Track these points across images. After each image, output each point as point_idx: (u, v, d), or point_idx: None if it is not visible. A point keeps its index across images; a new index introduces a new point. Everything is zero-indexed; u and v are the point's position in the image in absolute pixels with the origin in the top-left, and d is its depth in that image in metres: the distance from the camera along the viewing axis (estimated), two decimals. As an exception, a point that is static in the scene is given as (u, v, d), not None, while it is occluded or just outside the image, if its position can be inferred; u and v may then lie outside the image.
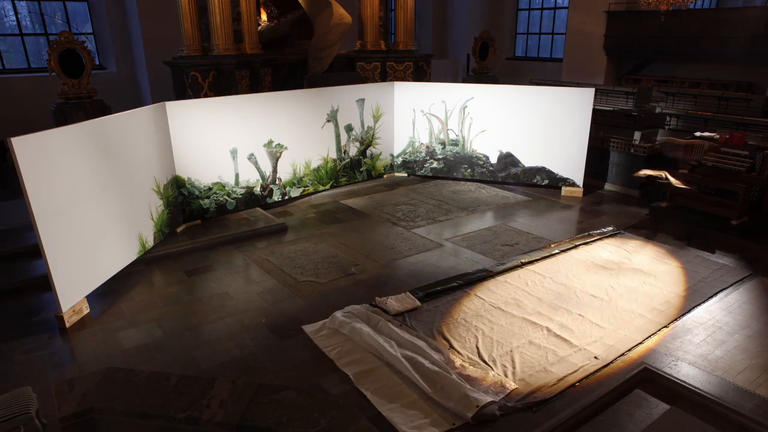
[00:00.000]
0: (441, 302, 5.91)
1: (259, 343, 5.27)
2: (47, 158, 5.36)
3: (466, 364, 4.73)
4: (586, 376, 4.63)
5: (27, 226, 5.42)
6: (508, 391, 4.39)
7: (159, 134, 7.34)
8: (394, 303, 5.74)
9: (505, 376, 4.61)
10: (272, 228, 8.15)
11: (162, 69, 11.15)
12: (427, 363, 4.63)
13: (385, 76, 12.20)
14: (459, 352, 4.96)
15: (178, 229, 7.90)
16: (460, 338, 5.20)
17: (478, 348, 5.02)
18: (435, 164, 10.60)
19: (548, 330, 5.35)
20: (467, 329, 5.35)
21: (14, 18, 12.34)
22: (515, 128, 9.87)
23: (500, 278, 6.47)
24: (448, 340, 5.16)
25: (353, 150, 10.12)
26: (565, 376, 4.61)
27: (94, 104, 9.14)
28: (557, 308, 5.78)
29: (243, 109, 8.36)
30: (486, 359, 4.85)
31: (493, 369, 4.69)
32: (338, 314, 5.53)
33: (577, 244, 7.44)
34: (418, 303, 5.81)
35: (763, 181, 7.92)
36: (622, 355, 4.93)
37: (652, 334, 5.25)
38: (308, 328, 5.46)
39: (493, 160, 10.24)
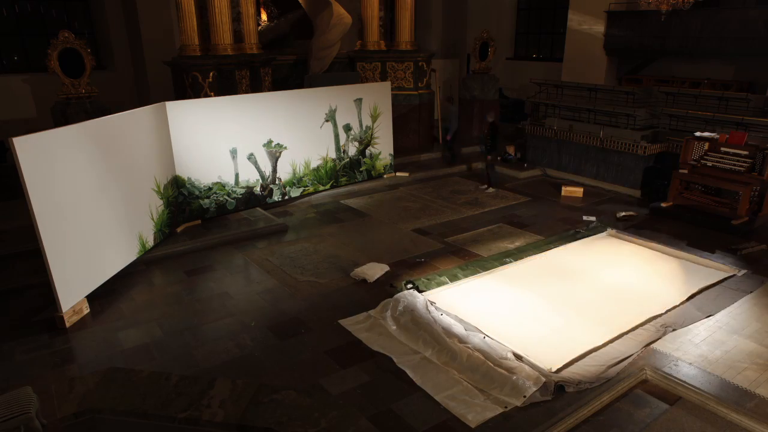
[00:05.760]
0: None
1: (259, 343, 5.27)
2: (48, 158, 5.36)
3: (508, 354, 4.87)
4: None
5: (27, 226, 5.41)
6: (544, 381, 4.50)
7: (159, 134, 7.33)
8: (367, 271, 6.52)
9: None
10: (272, 228, 8.15)
11: (162, 69, 11.14)
12: (472, 352, 4.89)
13: (385, 76, 12.19)
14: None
15: (178, 229, 7.89)
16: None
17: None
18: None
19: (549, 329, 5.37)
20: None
21: (14, 17, 12.33)
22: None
23: (500, 272, 6.50)
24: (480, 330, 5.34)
25: (352, 150, 10.12)
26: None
27: (94, 104, 9.13)
28: (559, 305, 5.80)
29: (243, 109, 8.35)
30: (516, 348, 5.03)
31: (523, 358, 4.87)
32: (391, 303, 5.75)
33: (574, 240, 7.45)
34: (387, 267, 6.67)
35: (763, 181, 7.91)
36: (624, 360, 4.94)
37: (653, 342, 5.25)
38: (346, 322, 5.56)
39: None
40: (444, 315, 5.52)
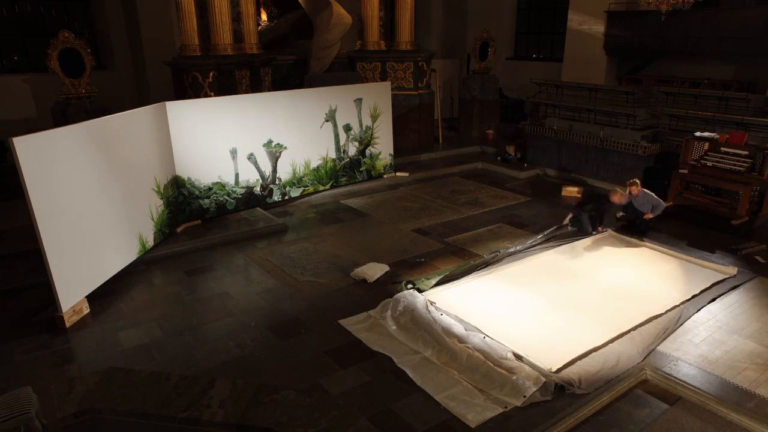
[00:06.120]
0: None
1: (259, 343, 5.27)
2: (48, 158, 5.36)
3: (508, 354, 4.86)
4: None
5: (27, 226, 5.41)
6: (544, 381, 4.49)
7: (159, 134, 7.33)
8: (367, 271, 6.52)
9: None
10: (272, 228, 8.15)
11: (162, 69, 11.14)
12: (472, 352, 4.88)
13: (385, 76, 12.19)
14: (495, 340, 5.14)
15: (178, 229, 7.89)
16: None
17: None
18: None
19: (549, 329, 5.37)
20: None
21: (14, 17, 12.33)
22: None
23: (499, 273, 6.50)
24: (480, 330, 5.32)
25: (352, 150, 10.12)
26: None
27: (94, 104, 9.14)
28: (559, 305, 5.80)
29: (243, 109, 8.35)
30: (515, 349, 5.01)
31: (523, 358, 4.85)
32: (391, 303, 5.73)
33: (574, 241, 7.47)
34: (387, 267, 6.69)
35: (763, 181, 7.91)
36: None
37: (654, 341, 5.25)
38: (345, 322, 5.55)
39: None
40: (444, 315, 5.52)
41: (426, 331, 5.25)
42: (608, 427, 4.14)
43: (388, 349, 5.10)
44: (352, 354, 5.06)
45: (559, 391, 4.43)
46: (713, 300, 5.92)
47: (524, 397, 4.34)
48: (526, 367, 4.65)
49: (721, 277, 6.44)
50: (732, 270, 6.56)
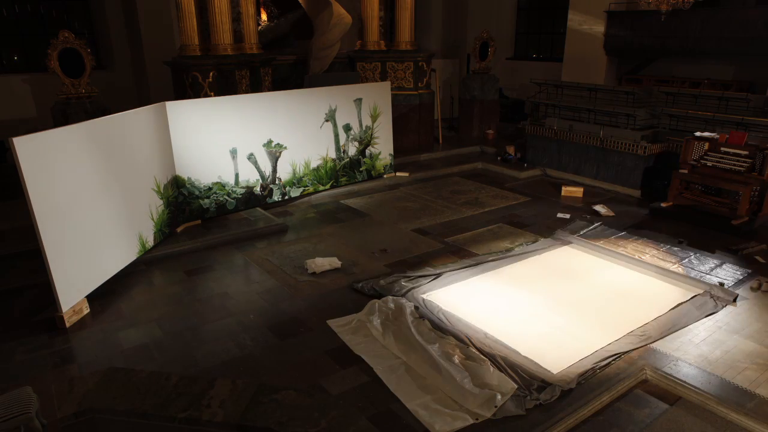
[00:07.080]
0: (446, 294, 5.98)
1: (259, 343, 5.27)
2: (48, 158, 5.36)
3: (485, 362, 4.74)
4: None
5: (27, 226, 5.41)
6: (515, 387, 4.40)
7: (159, 134, 7.34)
8: (315, 265, 6.71)
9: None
10: (272, 228, 8.15)
11: (162, 69, 11.14)
12: (443, 361, 4.71)
13: (385, 76, 12.19)
14: (475, 348, 5.03)
15: (178, 229, 7.89)
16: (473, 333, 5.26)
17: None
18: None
19: (550, 328, 5.36)
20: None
21: (14, 17, 12.33)
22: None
23: (494, 273, 6.49)
24: (460, 338, 5.21)
25: (352, 150, 10.12)
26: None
27: (94, 104, 9.14)
28: (556, 306, 5.79)
29: (243, 109, 8.35)
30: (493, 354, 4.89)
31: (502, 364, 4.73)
32: (376, 306, 5.64)
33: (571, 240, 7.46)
34: (338, 263, 6.80)
35: (763, 181, 7.91)
36: (621, 355, 4.94)
37: (653, 341, 5.25)
38: (333, 323, 5.49)
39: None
40: (427, 320, 5.41)
41: (406, 336, 5.13)
42: (608, 427, 4.14)
43: (367, 353, 4.97)
44: (352, 354, 5.04)
45: (539, 392, 4.36)
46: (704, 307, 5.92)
47: (495, 407, 4.18)
48: (504, 377, 4.51)
49: (698, 291, 6.06)
50: (704, 286, 6.09)
